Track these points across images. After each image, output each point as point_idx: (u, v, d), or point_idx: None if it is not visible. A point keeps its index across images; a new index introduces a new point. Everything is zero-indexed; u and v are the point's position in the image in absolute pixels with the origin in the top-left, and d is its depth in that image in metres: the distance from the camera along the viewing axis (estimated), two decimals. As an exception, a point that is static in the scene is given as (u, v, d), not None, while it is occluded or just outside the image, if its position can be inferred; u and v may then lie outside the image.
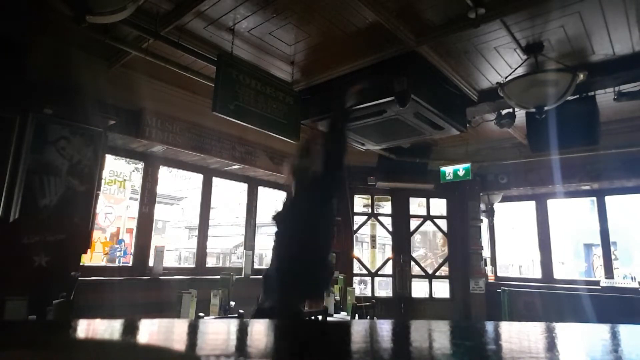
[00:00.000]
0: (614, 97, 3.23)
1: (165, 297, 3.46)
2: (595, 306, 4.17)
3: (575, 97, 3.12)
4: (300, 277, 1.77)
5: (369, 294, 5.36)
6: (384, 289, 6.02)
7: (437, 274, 5.45)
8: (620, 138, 4.10)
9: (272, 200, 4.99)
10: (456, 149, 5.05)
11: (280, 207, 1.98)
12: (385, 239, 6.40)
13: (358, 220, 5.64)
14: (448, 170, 5.03)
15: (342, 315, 3.76)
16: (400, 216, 5.64)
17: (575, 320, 4.16)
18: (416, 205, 6.19)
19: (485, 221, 5.53)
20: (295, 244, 1.80)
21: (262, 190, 4.99)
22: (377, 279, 5.59)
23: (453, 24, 2.58)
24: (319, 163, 1.82)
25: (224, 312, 3.44)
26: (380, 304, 4.75)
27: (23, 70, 2.79)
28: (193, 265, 4.29)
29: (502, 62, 3.09)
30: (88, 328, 0.41)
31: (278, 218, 1.90)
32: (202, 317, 3.19)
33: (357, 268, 5.54)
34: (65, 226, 2.85)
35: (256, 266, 4.80)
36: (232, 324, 0.46)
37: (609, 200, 4.80)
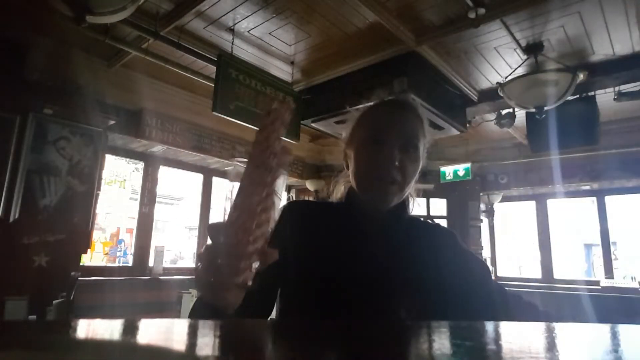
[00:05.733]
0: (614, 97, 3.23)
1: (165, 297, 3.46)
2: (595, 306, 4.17)
3: (575, 97, 3.12)
4: None
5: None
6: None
7: (437, 274, 5.45)
8: (620, 138, 4.10)
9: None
10: (456, 149, 5.05)
11: None
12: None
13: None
14: (448, 170, 5.03)
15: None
16: (400, 216, 5.62)
17: (575, 320, 4.16)
18: (416, 205, 6.18)
19: (485, 221, 5.53)
20: None
21: (262, 190, 4.98)
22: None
23: (453, 24, 2.58)
24: None
25: (224, 312, 3.44)
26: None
27: (23, 70, 2.79)
28: (193, 265, 4.30)
29: (502, 62, 3.09)
30: (88, 328, 0.40)
31: None
32: (202, 317, 3.19)
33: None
34: (65, 226, 2.85)
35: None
36: (232, 324, 0.46)
37: (609, 200, 4.80)
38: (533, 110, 2.91)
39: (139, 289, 3.54)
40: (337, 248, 0.81)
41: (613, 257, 5.00)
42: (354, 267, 0.79)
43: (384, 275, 0.78)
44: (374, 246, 0.82)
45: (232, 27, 2.76)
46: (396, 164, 0.78)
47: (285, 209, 0.87)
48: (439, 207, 5.73)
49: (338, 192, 0.94)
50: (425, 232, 0.90)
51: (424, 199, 5.69)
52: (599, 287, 4.45)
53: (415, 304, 0.76)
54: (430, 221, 0.95)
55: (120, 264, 4.86)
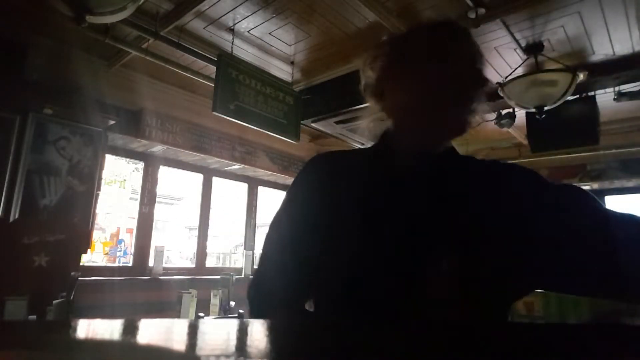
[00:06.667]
0: (614, 97, 3.23)
1: (165, 297, 3.46)
2: (595, 306, 4.16)
3: (575, 97, 3.12)
4: None
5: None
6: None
7: (437, 274, 5.44)
8: (620, 138, 4.10)
9: (272, 200, 4.99)
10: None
11: None
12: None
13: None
14: (448, 170, 5.02)
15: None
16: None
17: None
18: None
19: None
20: None
21: (262, 190, 5.00)
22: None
23: (453, 24, 2.58)
24: None
25: (224, 312, 3.44)
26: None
27: (23, 70, 2.79)
28: (193, 265, 4.30)
29: (502, 62, 3.09)
30: (88, 328, 0.40)
31: None
32: (202, 317, 3.20)
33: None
34: (65, 226, 2.85)
35: (256, 266, 4.80)
36: (232, 324, 0.46)
37: (609, 200, 4.80)
38: (533, 110, 2.91)
39: (139, 289, 3.54)
40: (382, 207, 0.65)
41: (613, 257, 4.99)
42: (411, 225, 0.63)
43: (448, 226, 0.63)
44: (429, 195, 0.66)
45: (232, 27, 2.76)
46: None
47: (308, 168, 0.73)
48: (439, 207, 5.73)
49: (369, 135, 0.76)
50: (493, 171, 0.73)
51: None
52: (599, 287, 4.45)
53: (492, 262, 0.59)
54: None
55: (120, 264, 4.86)
